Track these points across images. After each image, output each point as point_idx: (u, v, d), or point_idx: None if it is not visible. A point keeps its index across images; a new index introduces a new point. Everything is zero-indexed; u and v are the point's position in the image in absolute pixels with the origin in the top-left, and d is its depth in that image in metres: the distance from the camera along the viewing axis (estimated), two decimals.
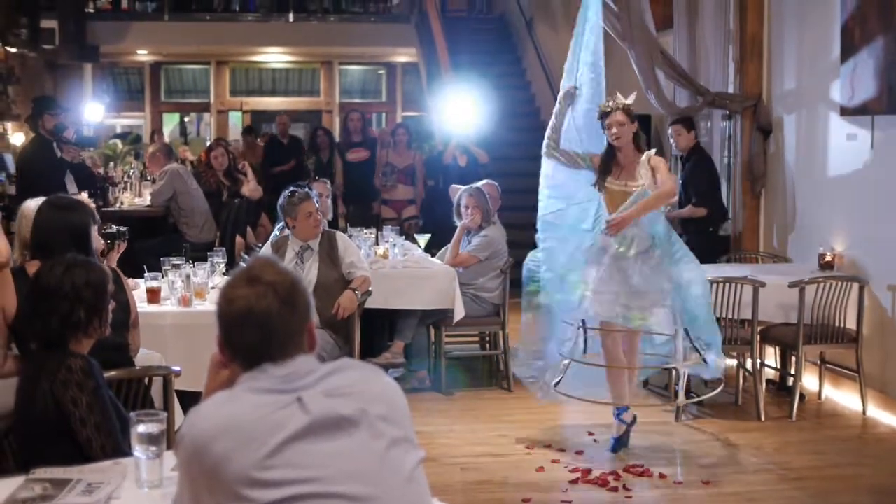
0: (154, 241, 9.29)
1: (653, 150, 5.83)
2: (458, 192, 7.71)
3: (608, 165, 5.85)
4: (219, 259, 6.51)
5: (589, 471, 5.54)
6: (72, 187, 8.82)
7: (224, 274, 6.35)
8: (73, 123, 9.91)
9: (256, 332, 2.26)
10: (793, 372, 6.90)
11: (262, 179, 11.37)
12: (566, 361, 5.97)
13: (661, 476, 5.46)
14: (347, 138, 11.62)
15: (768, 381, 7.32)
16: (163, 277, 5.91)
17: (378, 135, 12.37)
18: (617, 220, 5.65)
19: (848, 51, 7.05)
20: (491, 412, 6.85)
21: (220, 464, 2.14)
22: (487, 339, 8.12)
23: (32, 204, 4.47)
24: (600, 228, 5.83)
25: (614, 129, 5.75)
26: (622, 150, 5.80)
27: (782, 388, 7.27)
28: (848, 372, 6.91)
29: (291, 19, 16.51)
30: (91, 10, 16.48)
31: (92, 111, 13.49)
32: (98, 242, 4.61)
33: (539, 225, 6.19)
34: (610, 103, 5.82)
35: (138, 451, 2.78)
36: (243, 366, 2.29)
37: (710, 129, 8.78)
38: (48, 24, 15.11)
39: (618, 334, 5.85)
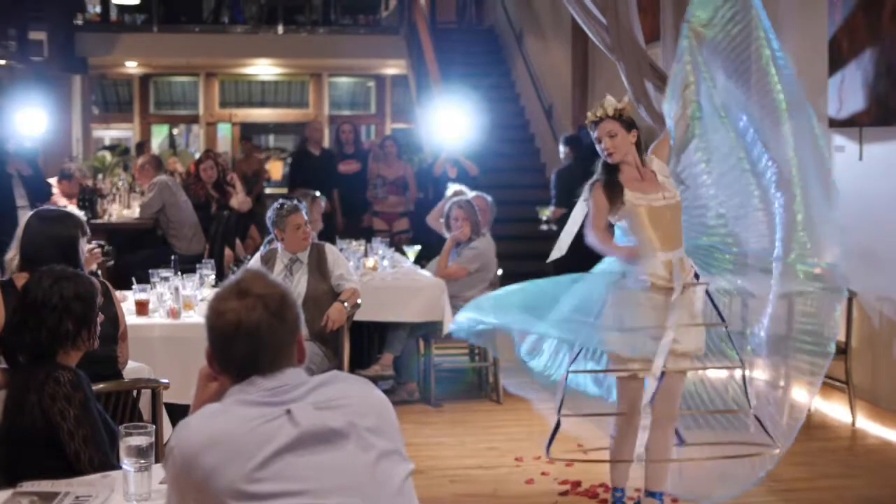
0: (143, 253, 9.29)
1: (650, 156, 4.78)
2: (439, 216, 7.74)
3: (614, 188, 4.63)
4: (207, 271, 6.51)
5: (578, 483, 5.53)
6: (21, 200, 8.78)
7: (213, 286, 6.35)
8: (12, 135, 9.87)
9: (246, 346, 2.26)
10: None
11: (252, 192, 11.36)
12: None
13: None
14: (339, 150, 11.60)
15: None
16: (151, 289, 5.91)
17: (368, 146, 12.37)
18: None
19: (836, 63, 7.08)
20: (480, 424, 6.85)
21: (209, 477, 2.13)
22: (477, 351, 8.11)
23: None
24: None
25: (605, 143, 4.65)
26: (626, 165, 4.67)
27: None
28: (837, 383, 6.92)
29: (281, 31, 16.52)
30: (80, 22, 16.46)
31: (27, 123, 10.90)
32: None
33: None
34: (597, 111, 4.68)
35: (127, 464, 2.77)
36: (232, 378, 2.29)
37: None
38: (37, 35, 15.07)
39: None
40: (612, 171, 4.69)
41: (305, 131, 12.09)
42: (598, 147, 4.71)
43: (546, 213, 9.75)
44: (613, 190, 4.63)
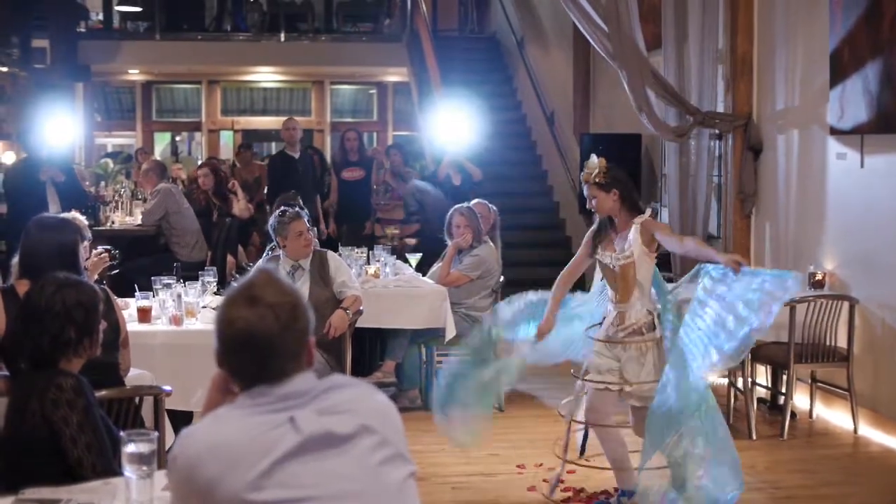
0: (145, 260, 9.29)
1: (647, 212, 5.22)
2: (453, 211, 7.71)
3: (601, 235, 5.28)
4: (210, 278, 6.51)
5: (581, 490, 5.53)
6: (54, 207, 8.83)
7: (216, 293, 6.35)
8: (45, 143, 9.90)
9: (255, 356, 2.25)
10: (784, 390, 6.90)
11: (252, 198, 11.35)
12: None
13: None
14: (344, 157, 11.59)
15: (759, 400, 7.33)
16: (154, 297, 5.91)
17: (372, 153, 12.38)
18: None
19: (837, 71, 7.09)
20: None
21: (212, 485, 2.13)
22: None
23: None
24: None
25: (591, 202, 5.24)
26: (616, 218, 5.20)
27: (773, 407, 7.28)
28: (839, 390, 6.92)
29: (283, 39, 16.52)
30: (82, 30, 16.48)
31: (59, 130, 10.48)
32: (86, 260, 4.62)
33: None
34: (582, 173, 5.28)
35: (129, 470, 2.76)
36: (240, 385, 2.29)
37: (698, 149, 8.81)
38: (39, 43, 15.12)
39: (613, 396, 5.20)
40: (610, 221, 5.25)
41: (280, 133, 11.34)
42: None
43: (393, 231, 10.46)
44: (598, 236, 5.29)
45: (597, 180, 5.14)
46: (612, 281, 5.18)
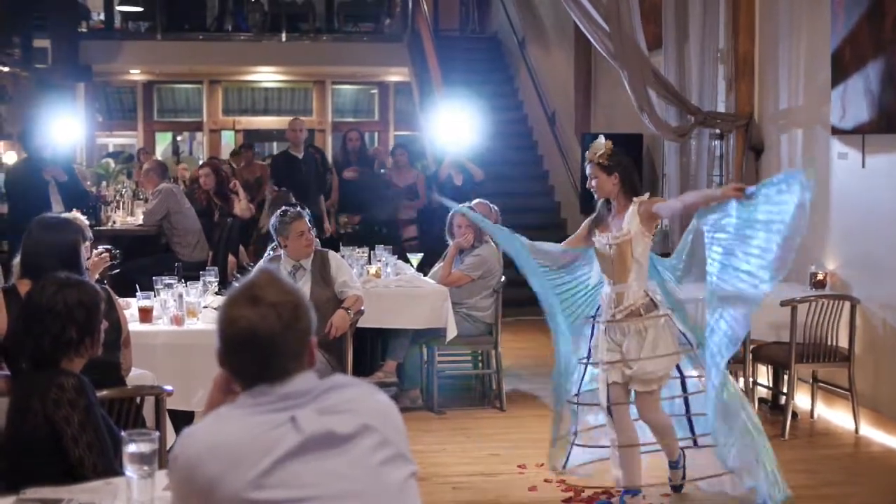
0: (146, 260, 9.29)
1: (646, 195, 5.25)
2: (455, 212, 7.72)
3: (600, 219, 5.33)
4: (211, 278, 6.51)
5: (582, 490, 5.52)
6: (57, 206, 8.85)
7: (217, 293, 6.35)
8: (49, 142, 9.92)
9: (257, 355, 2.25)
10: (785, 390, 6.90)
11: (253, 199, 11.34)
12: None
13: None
14: (346, 157, 11.58)
15: (760, 400, 7.33)
16: (155, 297, 5.91)
17: (374, 153, 12.36)
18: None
19: (839, 71, 7.08)
20: (483, 431, 6.84)
21: (213, 485, 2.13)
22: (480, 358, 8.11)
23: None
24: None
25: (589, 183, 5.30)
26: (615, 203, 5.24)
27: (775, 407, 7.27)
28: (840, 390, 6.91)
29: (284, 39, 16.52)
30: (84, 30, 16.49)
31: (64, 130, 10.77)
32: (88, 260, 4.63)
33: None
34: (588, 152, 5.33)
35: (130, 470, 2.76)
36: (242, 385, 2.29)
37: (699, 149, 8.81)
38: (41, 43, 15.11)
39: (622, 389, 5.24)
40: (607, 205, 5.32)
41: (286, 133, 11.20)
42: None
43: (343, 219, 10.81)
44: (596, 220, 5.36)
45: (600, 161, 5.20)
46: (609, 263, 5.20)
